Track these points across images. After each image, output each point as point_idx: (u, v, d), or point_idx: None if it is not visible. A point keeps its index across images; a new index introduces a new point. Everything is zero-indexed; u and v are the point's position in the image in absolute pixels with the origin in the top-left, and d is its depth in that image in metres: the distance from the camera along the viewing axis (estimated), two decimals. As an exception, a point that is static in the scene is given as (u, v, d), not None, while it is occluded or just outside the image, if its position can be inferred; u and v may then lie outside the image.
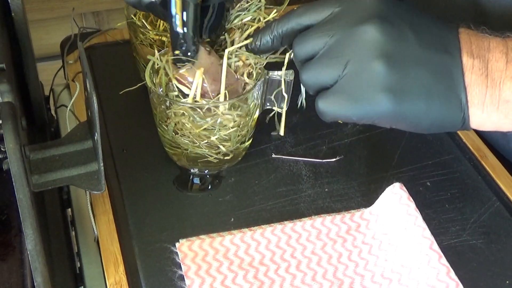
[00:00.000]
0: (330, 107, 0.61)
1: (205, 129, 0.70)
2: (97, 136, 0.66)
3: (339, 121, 0.63)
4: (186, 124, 0.70)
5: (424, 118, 0.59)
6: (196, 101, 0.70)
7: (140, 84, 0.75)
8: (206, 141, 0.72)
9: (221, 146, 0.72)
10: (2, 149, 0.64)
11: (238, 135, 0.73)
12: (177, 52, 0.69)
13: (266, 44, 0.66)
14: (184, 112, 0.70)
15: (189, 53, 0.69)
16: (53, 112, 0.93)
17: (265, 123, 0.78)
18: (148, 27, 0.83)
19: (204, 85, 0.69)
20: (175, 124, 0.71)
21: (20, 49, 0.76)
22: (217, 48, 0.74)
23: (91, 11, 1.59)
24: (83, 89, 0.88)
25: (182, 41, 0.68)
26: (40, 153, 0.70)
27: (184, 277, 0.66)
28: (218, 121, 0.70)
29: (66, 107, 0.88)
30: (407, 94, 0.58)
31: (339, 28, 0.59)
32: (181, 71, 0.70)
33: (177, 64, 0.70)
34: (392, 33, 0.58)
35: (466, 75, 0.58)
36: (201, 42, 0.70)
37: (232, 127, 0.71)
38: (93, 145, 0.70)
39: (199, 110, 0.69)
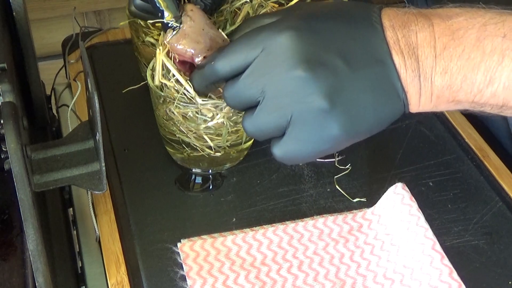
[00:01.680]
0: (287, 153, 0.61)
1: (190, 118, 0.69)
2: (98, 135, 0.66)
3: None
4: (173, 111, 0.69)
5: (375, 129, 0.60)
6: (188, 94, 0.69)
7: (142, 83, 0.75)
8: (194, 131, 0.70)
9: (207, 139, 0.71)
10: (3, 149, 0.64)
11: (231, 132, 0.72)
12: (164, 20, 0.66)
13: (204, 90, 0.66)
14: (171, 98, 0.69)
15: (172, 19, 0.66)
16: (54, 111, 0.93)
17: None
18: (150, 26, 0.83)
19: (189, 50, 0.66)
20: (166, 112, 0.70)
21: (21, 48, 0.76)
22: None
23: (92, 10, 1.59)
24: (84, 88, 0.88)
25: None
26: (42, 153, 0.70)
27: (186, 277, 0.66)
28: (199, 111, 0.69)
29: (68, 106, 0.88)
30: (354, 118, 0.58)
31: (269, 78, 0.58)
32: (168, 39, 0.67)
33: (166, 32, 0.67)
34: (322, 71, 0.57)
35: (402, 78, 0.58)
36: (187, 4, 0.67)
37: (211, 119, 0.69)
38: (95, 145, 0.70)
39: (184, 96, 0.68)
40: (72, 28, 0.98)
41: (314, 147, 0.59)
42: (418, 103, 0.59)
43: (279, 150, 0.60)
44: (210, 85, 0.64)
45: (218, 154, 0.73)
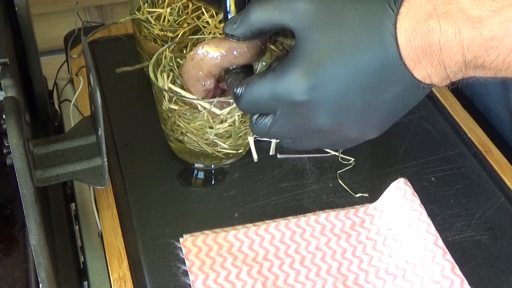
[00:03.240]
0: (297, 148, 0.64)
1: (198, 125, 0.70)
2: (100, 131, 0.66)
3: None
4: (179, 123, 0.71)
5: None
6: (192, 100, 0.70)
7: (145, 83, 0.75)
8: (204, 138, 0.72)
9: (221, 143, 0.72)
10: (5, 144, 0.64)
11: (240, 130, 0.73)
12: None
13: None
14: (178, 108, 0.70)
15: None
16: (56, 106, 0.93)
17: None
18: (152, 22, 0.83)
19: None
20: (171, 124, 0.72)
21: (23, 43, 0.76)
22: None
23: (94, 5, 1.59)
24: (86, 83, 0.87)
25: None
26: (44, 148, 0.70)
27: (188, 272, 0.66)
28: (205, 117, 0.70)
29: (70, 101, 0.88)
30: (363, 129, 0.59)
31: (281, 105, 0.58)
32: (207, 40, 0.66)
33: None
34: (322, 95, 0.56)
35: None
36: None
37: (221, 123, 0.71)
38: (97, 140, 0.70)
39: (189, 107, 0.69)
40: (74, 23, 0.98)
41: (322, 145, 0.64)
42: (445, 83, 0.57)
43: (289, 145, 0.63)
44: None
45: (234, 151, 0.74)
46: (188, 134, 0.72)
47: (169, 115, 0.72)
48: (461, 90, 0.91)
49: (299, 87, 0.55)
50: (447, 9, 0.52)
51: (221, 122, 0.71)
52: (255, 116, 0.61)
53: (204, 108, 0.69)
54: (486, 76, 0.55)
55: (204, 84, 0.67)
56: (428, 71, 0.54)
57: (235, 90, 0.60)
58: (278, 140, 0.78)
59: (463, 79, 0.56)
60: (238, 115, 0.71)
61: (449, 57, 0.53)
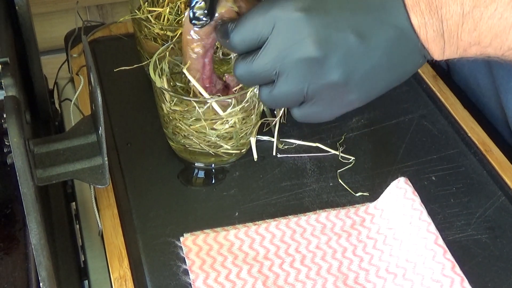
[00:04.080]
0: (306, 118, 0.64)
1: (200, 127, 0.71)
2: (101, 130, 0.66)
3: None
4: (181, 126, 0.71)
5: (393, 85, 0.61)
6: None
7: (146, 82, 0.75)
8: (206, 140, 0.72)
9: (223, 144, 0.73)
10: (6, 143, 0.64)
11: (241, 130, 0.73)
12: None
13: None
14: (179, 110, 0.70)
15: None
16: (57, 105, 0.93)
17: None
18: (153, 21, 0.83)
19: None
20: (173, 128, 0.72)
21: (24, 42, 0.76)
22: None
23: (95, 4, 1.59)
24: (87, 82, 0.87)
25: None
26: (44, 147, 0.70)
27: (189, 271, 0.66)
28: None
29: (70, 101, 0.88)
30: (372, 85, 0.60)
31: (283, 60, 0.59)
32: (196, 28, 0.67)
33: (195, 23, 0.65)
34: (336, 51, 0.58)
35: (422, 38, 0.57)
36: None
37: (222, 124, 0.71)
38: (98, 139, 0.70)
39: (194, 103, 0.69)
40: (75, 22, 0.98)
41: (331, 112, 0.63)
42: (443, 55, 0.59)
43: (298, 114, 0.63)
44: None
45: (236, 151, 0.74)
46: (190, 137, 0.72)
47: (170, 118, 0.72)
48: (462, 89, 0.91)
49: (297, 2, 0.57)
50: None
51: (222, 123, 0.71)
52: (252, 55, 0.61)
53: (201, 101, 0.69)
54: (484, 52, 0.56)
55: (197, 50, 0.67)
56: (425, 17, 0.56)
57: (228, 26, 0.61)
58: (282, 110, 0.78)
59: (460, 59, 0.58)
60: (239, 118, 0.71)
61: (447, 4, 0.55)
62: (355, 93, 0.60)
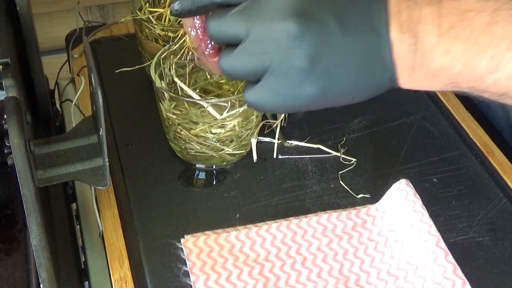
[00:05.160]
0: (258, 101, 0.59)
1: (200, 131, 0.70)
2: (102, 131, 0.66)
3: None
4: (181, 132, 0.71)
5: (355, 98, 0.59)
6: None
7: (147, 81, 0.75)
8: (206, 145, 0.72)
9: (225, 148, 0.73)
10: (7, 144, 0.64)
11: (242, 133, 0.73)
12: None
13: (186, 12, 0.62)
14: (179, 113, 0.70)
15: None
16: (58, 106, 0.93)
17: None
18: (154, 21, 0.83)
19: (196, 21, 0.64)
20: (173, 133, 0.72)
21: (25, 42, 0.76)
22: None
23: (96, 5, 1.59)
24: (88, 83, 0.87)
25: None
26: (45, 148, 0.70)
27: (189, 273, 0.66)
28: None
29: (71, 101, 0.88)
30: (333, 83, 0.57)
31: (258, 22, 0.57)
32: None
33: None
34: (313, 28, 0.55)
35: (395, 51, 0.56)
36: None
37: (221, 127, 0.71)
38: (98, 140, 0.70)
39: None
40: (76, 22, 0.98)
41: (286, 101, 0.58)
42: (410, 79, 0.57)
43: (251, 96, 0.59)
44: (199, 8, 0.61)
45: (239, 152, 0.74)
46: (191, 142, 0.72)
47: (170, 123, 0.72)
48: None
49: None
50: None
51: (221, 127, 0.71)
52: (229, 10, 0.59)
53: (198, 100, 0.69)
54: (455, 81, 0.56)
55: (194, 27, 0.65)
56: (403, 29, 0.55)
57: None
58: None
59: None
60: (238, 121, 0.71)
61: (425, 22, 0.54)
62: (313, 86, 0.56)
